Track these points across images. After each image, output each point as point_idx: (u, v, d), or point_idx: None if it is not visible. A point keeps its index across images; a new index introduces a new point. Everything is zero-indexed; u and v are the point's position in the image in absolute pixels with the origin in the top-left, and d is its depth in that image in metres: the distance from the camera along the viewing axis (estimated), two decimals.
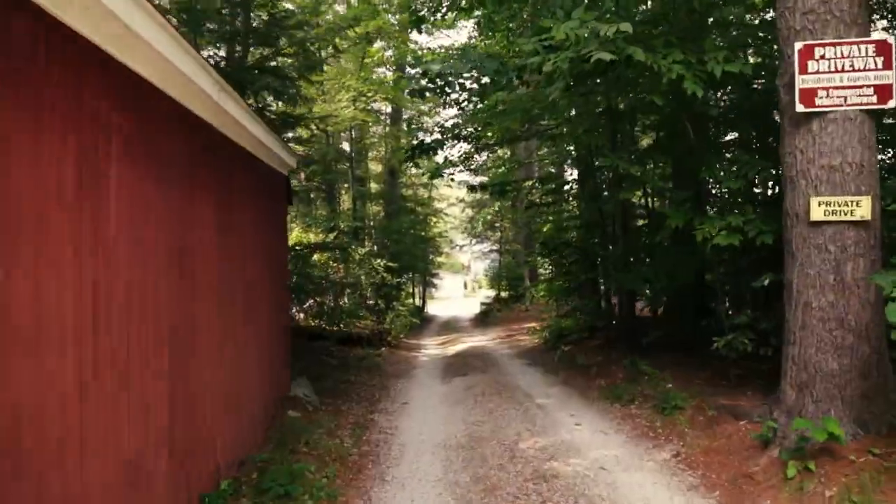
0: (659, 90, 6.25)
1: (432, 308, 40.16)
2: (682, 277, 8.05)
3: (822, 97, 5.26)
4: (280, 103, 12.27)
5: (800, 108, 5.32)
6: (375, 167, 31.43)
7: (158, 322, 3.74)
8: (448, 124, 12.24)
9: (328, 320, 14.87)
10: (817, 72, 5.26)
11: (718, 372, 8.43)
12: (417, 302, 38.27)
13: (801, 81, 5.30)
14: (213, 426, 4.82)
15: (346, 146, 28.29)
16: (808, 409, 5.41)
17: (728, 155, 8.00)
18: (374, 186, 29.93)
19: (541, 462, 6.02)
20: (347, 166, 22.39)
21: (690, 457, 6.00)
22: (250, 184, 6.52)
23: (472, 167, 15.43)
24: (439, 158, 14.46)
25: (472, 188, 14.83)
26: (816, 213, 5.30)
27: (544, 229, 16.01)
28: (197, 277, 4.56)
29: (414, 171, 33.84)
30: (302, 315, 15.15)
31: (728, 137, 8.74)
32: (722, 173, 7.10)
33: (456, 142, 12.44)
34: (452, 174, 16.38)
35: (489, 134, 12.74)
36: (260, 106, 11.64)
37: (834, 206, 5.24)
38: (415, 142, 12.05)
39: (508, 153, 16.72)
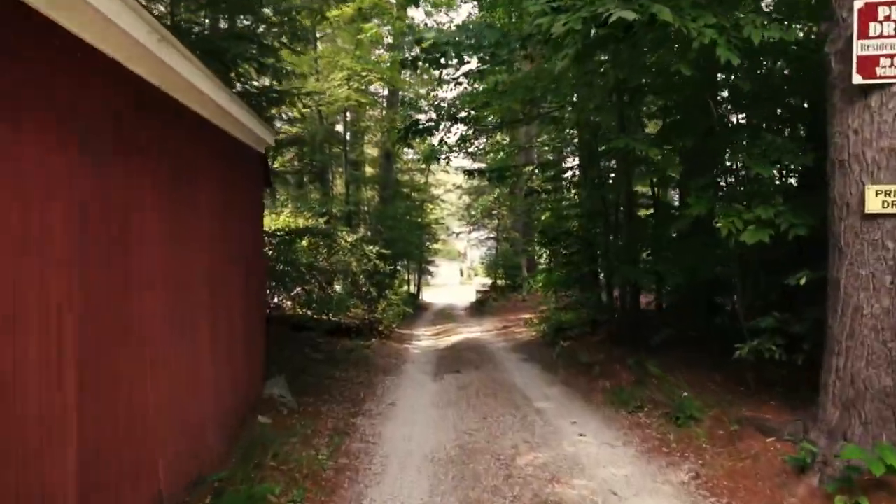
0: (687, 59, 5.38)
1: (428, 295, 39.36)
2: (701, 272, 7.23)
3: (884, 66, 4.41)
4: (265, 78, 11.37)
5: (857, 79, 4.48)
6: (372, 152, 30.52)
7: (62, 324, 2.90)
8: (444, 104, 11.34)
9: (317, 309, 14.05)
10: (880, 35, 4.41)
11: (733, 375, 7.64)
12: (412, 289, 37.51)
13: (861, 47, 4.45)
14: (153, 445, 4.00)
15: (341, 128, 27.42)
16: (854, 431, 4.61)
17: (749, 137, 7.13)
18: (369, 171, 29.04)
19: (541, 484, 5.22)
20: (341, 149, 21.46)
21: (712, 479, 5.21)
22: (212, 160, 5.66)
23: (470, 151, 14.55)
24: (435, 140, 13.56)
25: (469, 173, 13.95)
26: (873, 204, 4.48)
27: (543, 217, 15.16)
28: (131, 268, 3.72)
29: (410, 155, 33.00)
30: (290, 303, 14.35)
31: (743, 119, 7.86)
32: (748, 158, 6.25)
33: (452, 123, 11.55)
34: (448, 158, 15.52)
35: (488, 116, 11.85)
36: (243, 81, 10.75)
37: (894, 195, 4.41)
38: (409, 122, 11.15)
39: (508, 139, 15.79)
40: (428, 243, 35.90)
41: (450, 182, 35.61)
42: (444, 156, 15.55)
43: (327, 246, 13.77)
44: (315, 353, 10.77)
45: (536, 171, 14.46)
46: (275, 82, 10.99)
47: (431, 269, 39.18)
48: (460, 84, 12.30)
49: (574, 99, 10.52)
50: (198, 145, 5.20)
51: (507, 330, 17.40)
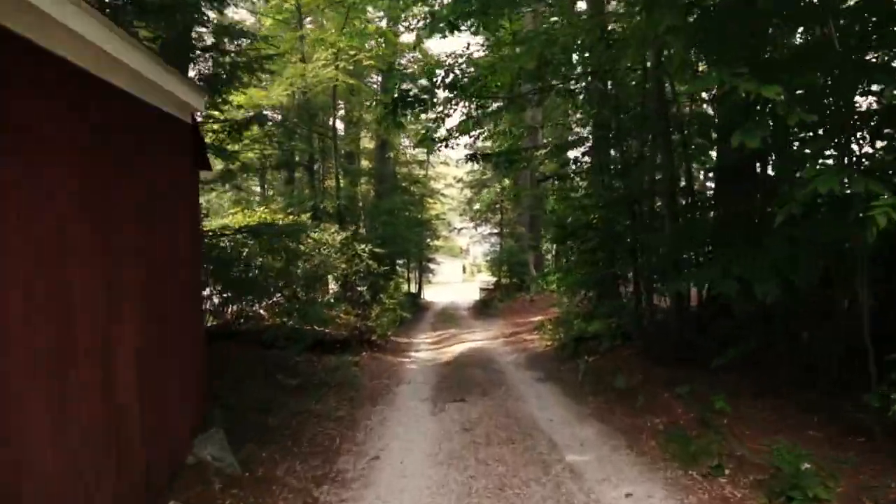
0: None
1: (429, 294, 37.29)
2: (801, 276, 5.06)
3: None
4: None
5: None
6: (368, 145, 28.37)
7: None
8: (442, 70, 9.11)
9: (297, 320, 11.93)
10: None
11: (839, 418, 5.51)
12: (413, 288, 35.42)
13: None
14: None
15: (339, 123, 25.22)
16: None
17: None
18: (365, 164, 26.86)
19: None
20: (330, 136, 19.29)
21: None
22: (88, 128, 3.51)
23: (472, 135, 12.38)
24: (431, 116, 11.33)
25: (472, 158, 11.77)
26: None
27: (557, 209, 12.98)
28: None
29: (406, 144, 30.80)
30: (265, 313, 12.21)
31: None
32: None
33: (451, 95, 9.39)
34: (447, 142, 13.36)
35: (494, 84, 9.68)
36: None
37: None
38: (399, 93, 8.94)
39: (508, 127, 13.49)
40: (428, 240, 33.82)
41: (450, 175, 33.48)
42: (441, 141, 13.42)
43: (295, 248, 11.52)
44: (288, 379, 8.62)
45: (553, 152, 12.21)
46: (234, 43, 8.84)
47: (433, 266, 37.14)
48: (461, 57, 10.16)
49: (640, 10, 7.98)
50: (46, 101, 3.07)
51: (515, 337, 15.25)
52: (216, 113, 8.96)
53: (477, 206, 31.25)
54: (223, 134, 9.11)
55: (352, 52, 15.59)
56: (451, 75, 8.85)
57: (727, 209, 7.78)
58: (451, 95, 9.53)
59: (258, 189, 24.56)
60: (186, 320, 5.55)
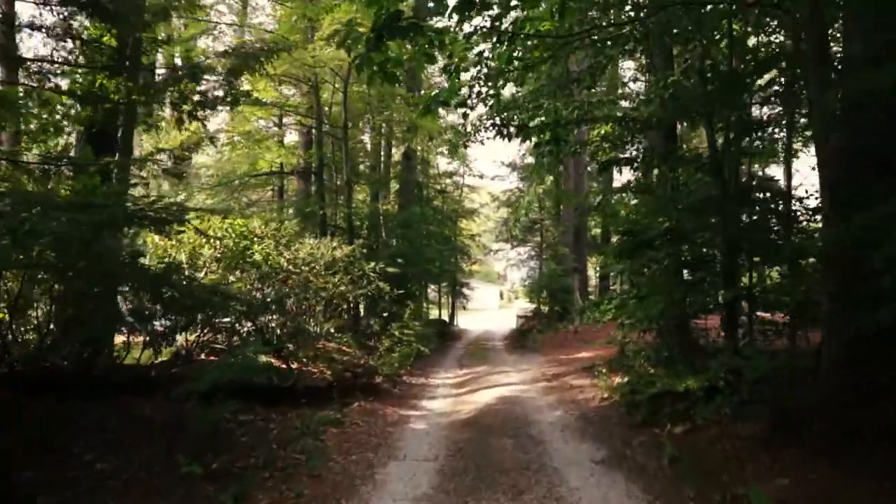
0: None
1: (463, 321, 33.77)
2: None
3: None
4: None
5: None
6: (396, 157, 25.29)
7: None
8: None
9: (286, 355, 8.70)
10: None
11: None
12: (444, 315, 31.97)
13: None
14: None
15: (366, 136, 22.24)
16: None
17: None
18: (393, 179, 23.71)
19: None
20: (339, 137, 16.17)
21: None
22: None
23: (507, 107, 8.98)
24: (463, 93, 8.01)
25: (500, 131, 8.37)
26: None
27: (620, 213, 9.45)
28: None
29: (434, 151, 27.55)
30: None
31: None
32: None
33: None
34: (478, 129, 10.06)
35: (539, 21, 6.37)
36: None
37: None
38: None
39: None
40: (462, 263, 30.41)
41: (484, 191, 30.16)
42: (474, 130, 10.16)
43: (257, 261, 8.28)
44: (193, 466, 5.19)
45: (624, 121, 8.56)
46: None
47: (467, 292, 33.73)
48: None
49: None
50: None
51: (559, 381, 11.59)
52: None
53: (514, 222, 27.57)
54: None
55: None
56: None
57: None
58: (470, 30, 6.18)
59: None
60: None
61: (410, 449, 6.90)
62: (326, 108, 18.18)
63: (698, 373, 6.50)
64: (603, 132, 8.82)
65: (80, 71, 6.75)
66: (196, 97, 6.54)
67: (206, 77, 6.67)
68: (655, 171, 9.51)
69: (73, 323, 7.19)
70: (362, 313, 14.98)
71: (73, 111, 6.84)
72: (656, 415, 7.11)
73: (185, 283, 7.39)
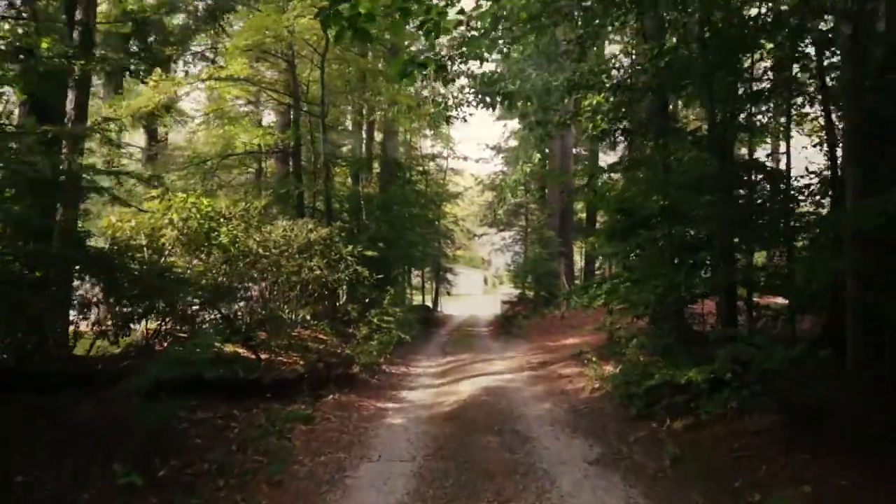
0: None
1: (448, 306, 33.12)
2: None
3: None
4: None
5: None
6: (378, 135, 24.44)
7: None
8: None
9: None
10: None
11: None
12: (428, 300, 31.33)
13: None
14: None
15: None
16: None
17: None
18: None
19: None
20: (317, 116, 15.34)
21: None
22: None
23: (492, 80, 8.26)
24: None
25: (484, 100, 7.71)
26: None
27: (609, 192, 8.81)
28: None
29: (423, 139, 26.78)
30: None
31: None
32: None
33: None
34: (462, 103, 9.36)
35: None
36: None
37: None
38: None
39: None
40: (446, 248, 29.74)
41: (468, 174, 29.43)
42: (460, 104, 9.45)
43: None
44: (132, 476, 4.49)
45: (629, 81, 7.79)
46: None
47: (451, 277, 33.14)
48: None
49: None
50: None
51: (547, 370, 11.00)
52: None
53: (499, 202, 26.78)
54: None
55: None
56: None
57: None
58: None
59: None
60: None
61: (386, 448, 6.26)
62: (304, 87, 17.33)
63: (699, 362, 5.89)
64: (595, 102, 8.17)
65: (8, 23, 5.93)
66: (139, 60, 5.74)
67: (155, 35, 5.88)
68: (648, 148, 8.87)
69: (14, 310, 6.43)
70: (343, 299, 14.27)
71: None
72: (653, 407, 6.52)
73: (136, 266, 6.64)
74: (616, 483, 5.01)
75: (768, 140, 10.54)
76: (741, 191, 8.22)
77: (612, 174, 11.38)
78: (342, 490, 5.04)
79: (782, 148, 9.47)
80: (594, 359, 9.83)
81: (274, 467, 5.31)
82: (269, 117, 20.59)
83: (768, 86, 8.75)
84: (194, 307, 8.30)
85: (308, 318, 11.74)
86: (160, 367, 4.99)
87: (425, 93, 17.07)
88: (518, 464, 5.55)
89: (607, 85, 7.83)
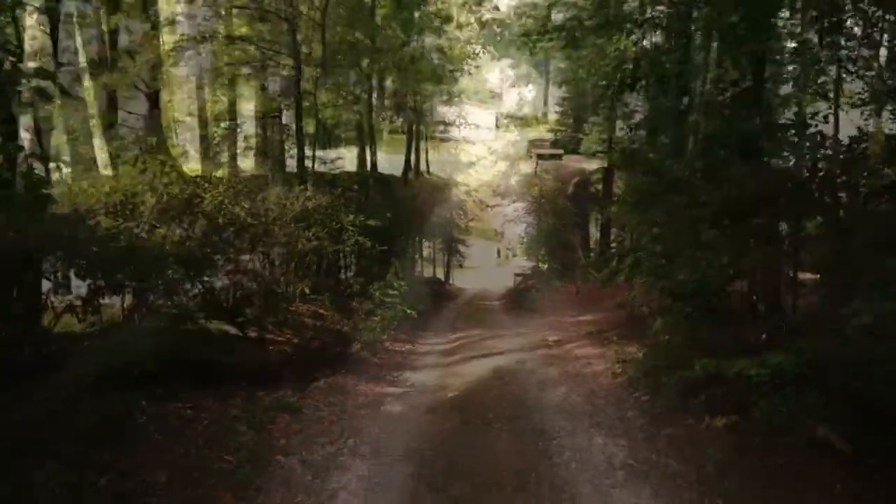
0: None
1: (459, 279, 32.23)
2: None
3: None
4: None
5: None
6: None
7: None
8: None
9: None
10: None
11: None
12: (440, 273, 30.47)
13: None
14: None
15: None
16: None
17: None
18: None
19: None
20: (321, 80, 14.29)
21: None
22: None
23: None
24: None
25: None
26: None
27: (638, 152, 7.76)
28: None
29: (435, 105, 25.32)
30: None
31: None
32: None
33: None
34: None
35: None
36: None
37: None
38: None
39: None
40: (457, 220, 28.77)
41: (481, 144, 28.28)
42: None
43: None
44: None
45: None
46: None
47: (463, 249, 32.17)
48: None
49: None
50: None
51: (562, 349, 10.10)
52: None
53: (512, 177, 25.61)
54: None
55: None
56: None
57: None
58: None
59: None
60: None
61: (381, 444, 5.42)
62: (306, 50, 16.26)
63: (749, 350, 4.92)
64: (624, 45, 7.08)
65: None
66: None
67: None
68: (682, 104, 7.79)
69: None
70: (351, 272, 13.41)
71: None
72: (687, 400, 5.58)
73: (99, 236, 5.78)
74: (646, 498, 4.11)
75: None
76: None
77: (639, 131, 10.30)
78: (321, 502, 4.20)
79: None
80: (615, 339, 8.90)
81: (242, 471, 4.47)
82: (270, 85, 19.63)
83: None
84: (175, 280, 7.43)
85: (307, 291, 10.88)
86: (104, 353, 4.12)
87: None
88: (531, 470, 4.67)
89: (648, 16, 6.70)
